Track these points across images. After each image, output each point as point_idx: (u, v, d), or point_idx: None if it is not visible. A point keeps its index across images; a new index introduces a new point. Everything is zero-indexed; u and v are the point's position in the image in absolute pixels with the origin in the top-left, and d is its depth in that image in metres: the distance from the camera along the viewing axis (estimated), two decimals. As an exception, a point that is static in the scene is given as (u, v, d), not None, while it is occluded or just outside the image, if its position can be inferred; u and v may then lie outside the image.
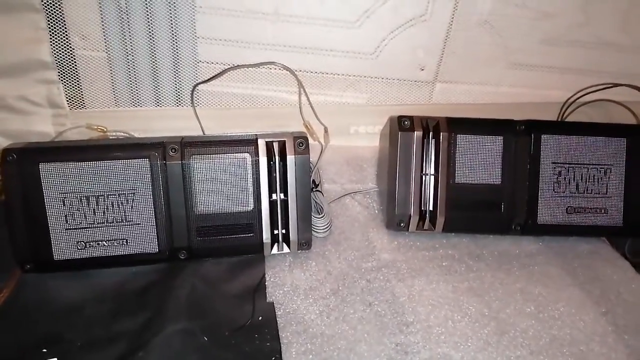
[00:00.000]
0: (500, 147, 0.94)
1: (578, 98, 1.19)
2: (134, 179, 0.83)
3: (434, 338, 0.76)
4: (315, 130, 1.13)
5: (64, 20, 1.01)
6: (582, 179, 0.96)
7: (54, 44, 1.02)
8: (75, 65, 1.06)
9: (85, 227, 0.83)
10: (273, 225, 0.88)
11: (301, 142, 0.87)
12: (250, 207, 0.87)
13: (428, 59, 1.15)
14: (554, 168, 0.95)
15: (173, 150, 0.83)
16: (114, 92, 1.09)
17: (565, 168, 0.95)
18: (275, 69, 1.11)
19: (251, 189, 0.86)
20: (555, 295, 0.86)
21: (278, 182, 0.87)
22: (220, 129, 1.11)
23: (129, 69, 1.07)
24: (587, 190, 0.96)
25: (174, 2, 1.02)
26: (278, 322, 0.78)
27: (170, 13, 1.03)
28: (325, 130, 1.13)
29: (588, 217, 0.96)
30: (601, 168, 0.96)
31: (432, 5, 1.08)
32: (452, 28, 1.11)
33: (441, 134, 0.94)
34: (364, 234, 1.00)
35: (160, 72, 1.09)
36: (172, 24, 1.04)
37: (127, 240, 0.84)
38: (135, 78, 1.09)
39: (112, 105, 1.10)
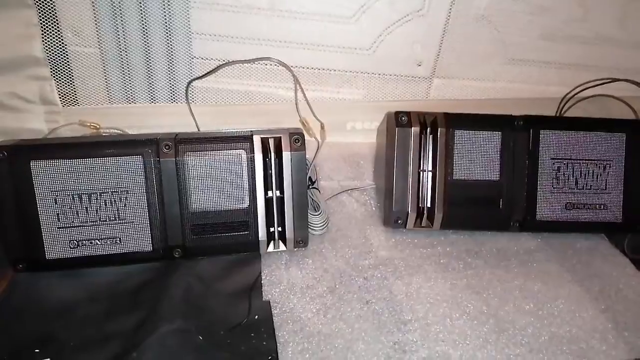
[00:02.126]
0: (498, 143, 0.93)
1: (576, 93, 1.18)
2: (127, 176, 0.81)
3: (432, 336, 0.75)
4: (311, 127, 1.11)
5: (56, 16, 1.00)
6: (581, 174, 0.95)
7: (46, 40, 1.01)
8: (68, 61, 1.05)
9: (78, 226, 0.81)
10: (269, 222, 0.87)
11: (297, 138, 0.86)
12: (246, 204, 0.86)
13: (425, 55, 1.14)
14: (553, 164, 0.95)
15: (167, 147, 0.82)
16: (107, 88, 1.08)
17: (564, 164, 0.95)
18: (271, 64, 1.10)
19: (246, 186, 0.85)
20: (554, 292, 0.85)
21: (274, 179, 0.86)
22: (215, 126, 1.10)
23: (122, 65, 1.06)
24: (586, 186, 0.95)
25: (168, -3, 1.01)
26: (274, 320, 0.77)
27: (164, 8, 1.02)
28: (322, 127, 1.12)
29: (587, 213, 0.96)
30: (600, 164, 0.95)
31: (429, -1, 1.07)
32: (449, 23, 1.11)
33: (439, 129, 0.93)
34: (361, 231, 0.99)
35: (154, 68, 1.07)
36: (166, 19, 1.03)
37: (120, 238, 0.83)
38: (128, 74, 1.07)
39: (105, 102, 1.09)
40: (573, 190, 0.95)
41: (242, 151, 0.84)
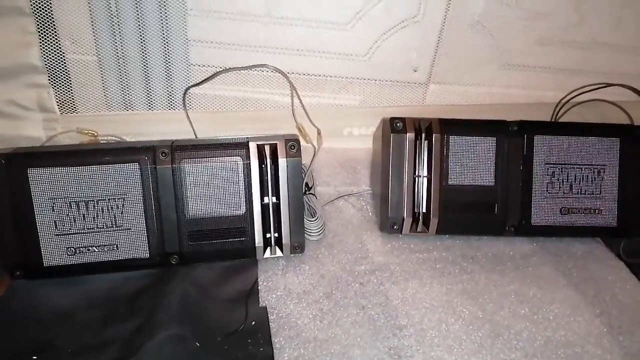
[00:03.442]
0: (493, 148, 0.94)
1: (571, 98, 1.19)
2: (124, 183, 0.82)
3: (427, 341, 0.76)
4: (308, 133, 1.12)
5: (54, 24, 1.00)
6: (575, 179, 0.96)
7: (43, 47, 1.01)
8: (66, 69, 1.05)
9: (75, 233, 0.82)
10: (265, 228, 0.88)
11: (293, 144, 0.86)
12: (242, 210, 0.86)
13: (421, 61, 1.15)
14: (547, 169, 0.95)
15: (163, 155, 0.83)
16: (105, 96, 1.09)
17: (559, 168, 0.95)
18: (267, 71, 1.10)
19: (243, 192, 0.86)
20: (549, 297, 0.85)
21: (270, 185, 0.87)
22: (212, 132, 1.11)
23: (120, 72, 1.07)
24: (580, 190, 0.96)
25: (165, 5, 1.01)
26: (271, 326, 0.78)
27: (161, 16, 1.03)
28: (318, 133, 1.12)
29: (582, 217, 0.96)
30: (595, 168, 0.96)
31: (424, 6, 1.08)
32: (445, 29, 1.11)
33: (434, 135, 0.93)
34: (357, 237, 1.00)
35: (151, 75, 1.08)
36: (163, 27, 1.04)
37: (117, 245, 0.83)
38: (126, 82, 1.08)
39: (103, 109, 1.10)
40: (568, 195, 0.96)
41: (238, 158, 0.85)
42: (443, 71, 1.16)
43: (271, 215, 0.88)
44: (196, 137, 1.10)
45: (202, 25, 1.05)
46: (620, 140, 0.96)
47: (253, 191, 0.86)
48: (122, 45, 1.04)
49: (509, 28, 1.13)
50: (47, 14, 0.99)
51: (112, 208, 0.82)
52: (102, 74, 1.07)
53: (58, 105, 1.07)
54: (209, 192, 0.85)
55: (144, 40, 1.04)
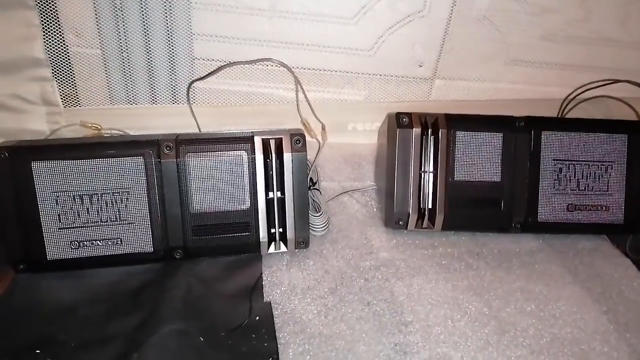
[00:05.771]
0: (499, 144, 0.93)
1: (578, 94, 1.18)
2: (128, 177, 0.81)
3: (433, 338, 0.75)
4: (312, 128, 1.11)
5: (58, 17, 1.00)
6: (582, 176, 0.95)
7: (47, 41, 1.01)
8: (70, 62, 1.04)
9: (79, 227, 0.81)
10: (270, 223, 0.87)
11: (298, 139, 0.86)
12: (247, 205, 0.86)
13: (426, 56, 1.14)
14: (554, 165, 0.94)
15: (168, 148, 0.82)
16: (109, 89, 1.08)
17: (566, 165, 0.94)
18: (272, 65, 1.10)
19: (247, 187, 0.85)
20: (556, 294, 0.85)
21: (275, 180, 0.86)
22: (216, 127, 1.10)
23: (124, 66, 1.06)
24: (587, 187, 0.95)
25: (169, -2, 1.01)
26: (275, 322, 0.77)
27: (166, 9, 1.02)
28: (323, 128, 1.12)
29: (589, 214, 0.95)
30: (602, 165, 0.95)
31: (430, 0, 1.07)
32: (451, 24, 1.10)
33: (440, 130, 0.93)
34: (362, 233, 0.99)
35: (155, 69, 1.07)
36: (167, 20, 1.03)
37: (121, 239, 0.83)
38: (130, 75, 1.07)
39: (107, 102, 1.09)
40: (575, 192, 0.95)
41: (243, 152, 0.84)
42: (449, 66, 1.16)
43: (276, 210, 0.87)
44: (200, 131, 1.09)
45: (207, 19, 1.04)
46: (628, 137, 0.95)
47: (258, 186, 0.85)
48: (126, 39, 1.04)
49: (515, 23, 1.13)
50: (50, 7, 0.98)
51: (116, 202, 0.82)
52: (106, 67, 1.06)
53: (61, 98, 1.06)
54: (213, 186, 0.84)
55: (148, 34, 1.03)
